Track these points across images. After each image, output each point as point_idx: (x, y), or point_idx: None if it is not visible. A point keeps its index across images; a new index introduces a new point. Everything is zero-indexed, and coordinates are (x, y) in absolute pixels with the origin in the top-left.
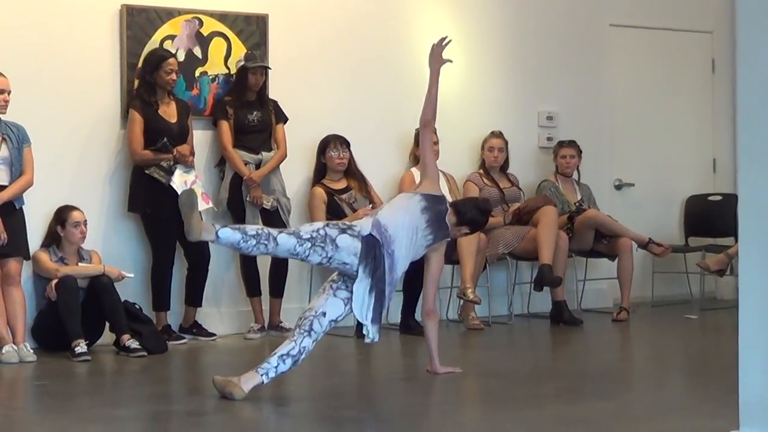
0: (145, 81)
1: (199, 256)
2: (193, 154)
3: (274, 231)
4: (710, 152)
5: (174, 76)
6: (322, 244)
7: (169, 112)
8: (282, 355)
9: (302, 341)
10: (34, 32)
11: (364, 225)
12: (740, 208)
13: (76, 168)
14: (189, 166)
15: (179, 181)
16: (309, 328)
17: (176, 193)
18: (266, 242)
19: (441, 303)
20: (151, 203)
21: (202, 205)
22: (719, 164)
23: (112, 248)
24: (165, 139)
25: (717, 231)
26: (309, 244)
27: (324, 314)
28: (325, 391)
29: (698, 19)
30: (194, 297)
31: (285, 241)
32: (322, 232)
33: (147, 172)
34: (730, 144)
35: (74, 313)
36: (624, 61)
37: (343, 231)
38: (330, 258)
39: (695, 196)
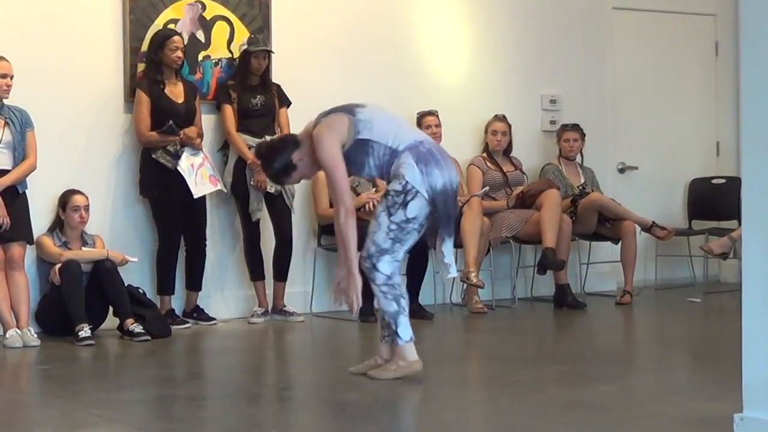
0: (152, 61)
1: (194, 241)
2: (201, 136)
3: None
4: (714, 135)
5: (180, 53)
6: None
7: (176, 92)
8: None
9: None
10: (36, 16)
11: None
12: (743, 191)
13: (80, 152)
14: (196, 149)
15: (186, 164)
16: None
17: (183, 177)
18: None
19: (444, 287)
20: (159, 187)
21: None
22: (722, 147)
23: (117, 232)
24: (171, 122)
25: (720, 214)
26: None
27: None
28: (328, 375)
29: (701, 2)
30: (193, 282)
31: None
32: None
33: (153, 156)
34: (734, 127)
35: (78, 298)
36: (627, 45)
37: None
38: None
39: (699, 179)
